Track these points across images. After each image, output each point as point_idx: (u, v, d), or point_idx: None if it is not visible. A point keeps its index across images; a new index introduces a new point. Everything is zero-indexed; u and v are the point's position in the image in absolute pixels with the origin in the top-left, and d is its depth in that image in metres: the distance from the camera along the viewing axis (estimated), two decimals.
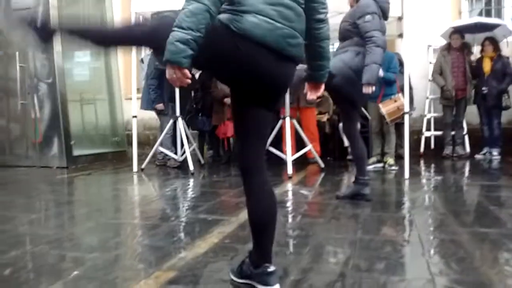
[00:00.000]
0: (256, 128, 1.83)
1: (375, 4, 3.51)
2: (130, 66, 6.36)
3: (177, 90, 5.90)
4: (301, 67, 2.04)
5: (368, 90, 3.46)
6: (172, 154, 6.25)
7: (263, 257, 1.80)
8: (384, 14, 3.61)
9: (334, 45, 7.19)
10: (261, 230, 1.81)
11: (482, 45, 6.66)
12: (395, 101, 5.26)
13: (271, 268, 1.78)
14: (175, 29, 1.51)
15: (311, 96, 2.20)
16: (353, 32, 3.55)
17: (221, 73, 1.84)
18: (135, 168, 5.90)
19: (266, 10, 1.63)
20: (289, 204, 3.70)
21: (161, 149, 6.31)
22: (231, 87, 1.85)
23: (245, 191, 1.84)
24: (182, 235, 2.81)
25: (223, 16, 1.63)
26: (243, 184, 1.84)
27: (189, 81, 1.58)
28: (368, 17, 3.44)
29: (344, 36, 3.63)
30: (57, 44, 6.59)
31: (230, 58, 1.66)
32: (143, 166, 5.96)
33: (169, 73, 1.55)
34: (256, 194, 1.82)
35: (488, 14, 7.62)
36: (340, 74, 3.41)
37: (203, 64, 1.83)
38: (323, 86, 2.13)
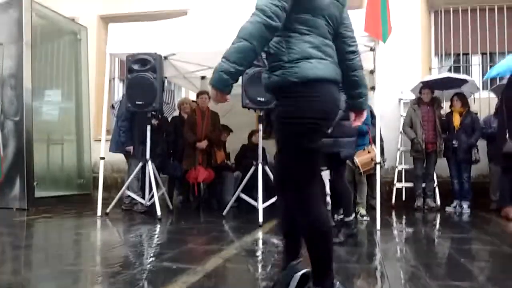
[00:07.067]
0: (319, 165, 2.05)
1: None
2: (101, 107, 6.22)
3: (148, 133, 5.79)
4: None
5: None
6: (139, 199, 6.05)
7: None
8: None
9: None
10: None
11: (451, 100, 6.82)
12: (369, 152, 5.24)
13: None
14: (223, 60, 1.76)
15: (356, 123, 2.30)
16: None
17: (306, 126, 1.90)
18: (99, 212, 5.68)
19: (314, 52, 1.86)
20: (259, 253, 3.57)
21: (128, 192, 6.11)
22: (307, 137, 1.90)
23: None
24: (144, 283, 2.65)
25: (277, 78, 1.86)
26: (306, 214, 1.94)
27: (228, 100, 1.86)
28: None
29: None
30: (27, 81, 6.49)
31: (308, 107, 1.85)
32: (108, 210, 5.74)
33: (212, 93, 1.83)
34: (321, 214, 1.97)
35: (456, 70, 7.89)
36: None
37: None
38: (365, 113, 2.29)
